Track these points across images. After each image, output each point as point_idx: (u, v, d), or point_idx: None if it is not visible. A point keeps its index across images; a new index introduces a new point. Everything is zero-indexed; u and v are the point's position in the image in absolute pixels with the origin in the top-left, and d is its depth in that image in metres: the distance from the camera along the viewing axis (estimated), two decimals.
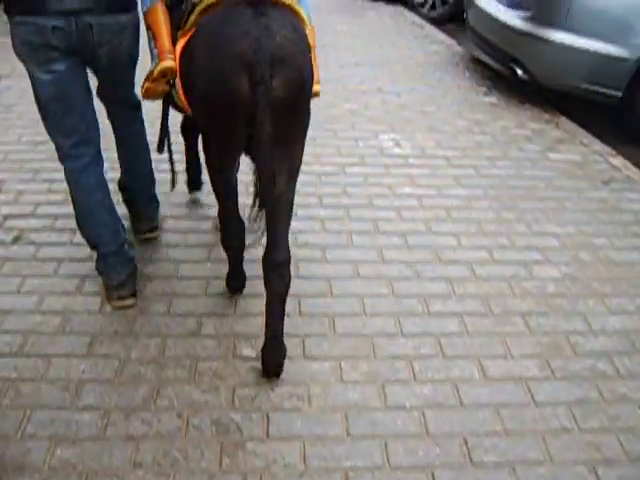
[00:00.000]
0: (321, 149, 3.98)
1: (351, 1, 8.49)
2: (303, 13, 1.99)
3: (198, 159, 3.20)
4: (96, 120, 2.40)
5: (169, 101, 2.45)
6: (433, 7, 7.76)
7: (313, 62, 2.00)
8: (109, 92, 2.53)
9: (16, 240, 2.95)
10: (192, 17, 1.98)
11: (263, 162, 1.81)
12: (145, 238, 2.95)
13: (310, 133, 2.11)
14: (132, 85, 2.57)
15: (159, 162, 3.12)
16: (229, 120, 1.86)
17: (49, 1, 2.05)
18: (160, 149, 2.57)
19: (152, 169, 2.83)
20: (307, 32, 1.97)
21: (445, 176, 3.73)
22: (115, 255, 2.51)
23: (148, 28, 2.26)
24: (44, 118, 2.31)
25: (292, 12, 1.92)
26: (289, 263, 2.10)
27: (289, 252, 2.09)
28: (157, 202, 2.99)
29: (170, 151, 2.64)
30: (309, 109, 1.98)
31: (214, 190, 2.26)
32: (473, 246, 3.06)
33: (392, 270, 2.85)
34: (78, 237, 2.75)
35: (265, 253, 2.08)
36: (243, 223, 2.40)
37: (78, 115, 2.30)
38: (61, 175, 2.50)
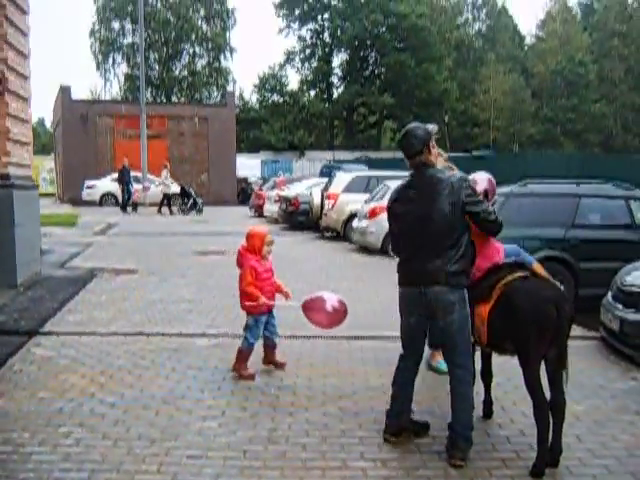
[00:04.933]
0: None
1: None
2: (540, 270, 4.19)
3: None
4: (423, 350, 4.13)
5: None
6: None
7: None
8: (444, 348, 4.09)
9: None
10: (497, 289, 3.91)
11: (562, 353, 3.74)
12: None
13: None
14: (461, 350, 3.86)
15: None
16: (545, 333, 3.69)
17: (407, 278, 3.90)
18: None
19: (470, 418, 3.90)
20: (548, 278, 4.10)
21: None
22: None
23: None
24: (402, 338, 4.07)
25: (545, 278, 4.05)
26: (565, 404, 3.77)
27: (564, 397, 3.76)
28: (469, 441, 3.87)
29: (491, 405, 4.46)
30: None
31: (532, 389, 3.74)
32: None
33: None
34: None
35: (551, 399, 3.74)
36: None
37: (416, 345, 4.06)
38: None
